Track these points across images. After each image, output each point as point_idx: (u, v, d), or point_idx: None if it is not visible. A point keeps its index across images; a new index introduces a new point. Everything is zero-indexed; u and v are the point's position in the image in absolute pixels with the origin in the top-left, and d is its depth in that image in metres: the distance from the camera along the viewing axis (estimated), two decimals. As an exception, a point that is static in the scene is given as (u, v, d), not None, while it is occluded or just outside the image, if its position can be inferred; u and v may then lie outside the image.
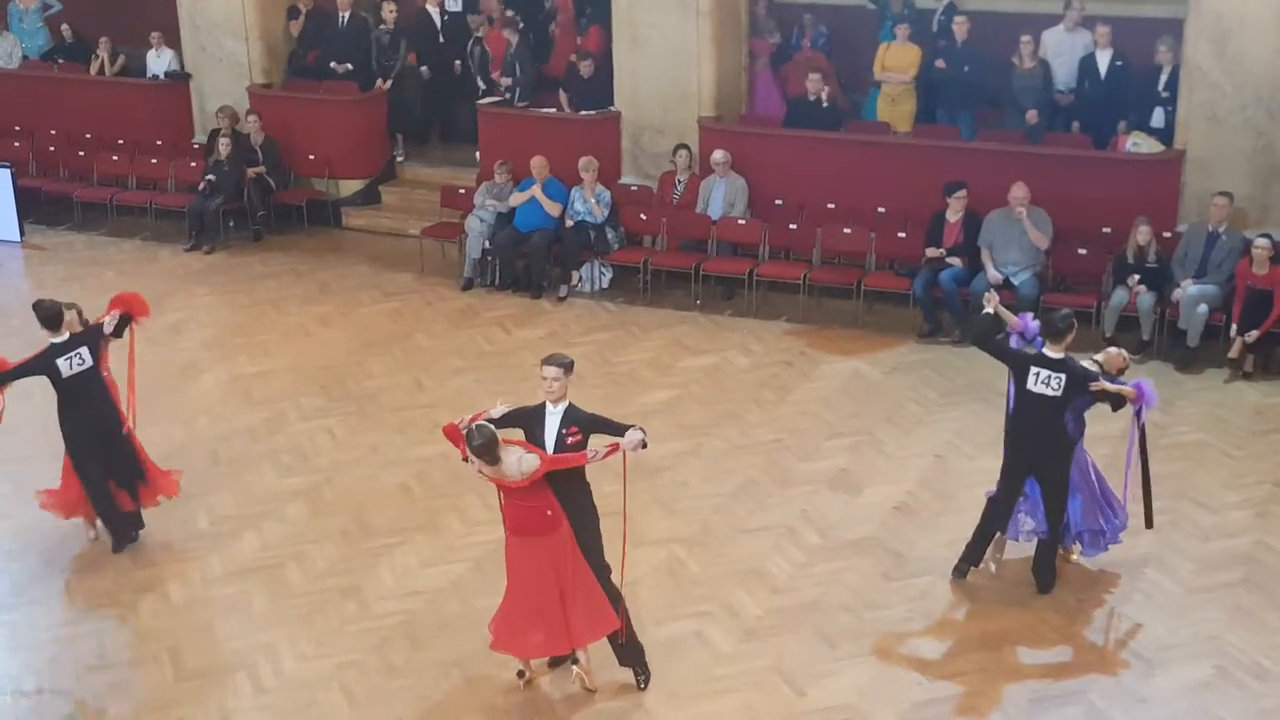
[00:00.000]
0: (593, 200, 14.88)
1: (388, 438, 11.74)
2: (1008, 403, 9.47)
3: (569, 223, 14.93)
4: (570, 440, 7.99)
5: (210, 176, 16.48)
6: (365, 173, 17.43)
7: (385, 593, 9.48)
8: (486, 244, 15.13)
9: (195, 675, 8.61)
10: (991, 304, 9.45)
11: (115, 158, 17.76)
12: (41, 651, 8.89)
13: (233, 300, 15.04)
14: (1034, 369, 9.03)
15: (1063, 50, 14.94)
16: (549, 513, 7.90)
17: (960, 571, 9.50)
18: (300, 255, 16.35)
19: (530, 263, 15.00)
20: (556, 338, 13.82)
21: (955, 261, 13.46)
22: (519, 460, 7.78)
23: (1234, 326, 12.59)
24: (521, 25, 16.64)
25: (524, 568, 8.06)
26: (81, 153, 17.93)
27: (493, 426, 7.81)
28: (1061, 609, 9.18)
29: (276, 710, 8.29)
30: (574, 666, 8.28)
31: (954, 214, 13.57)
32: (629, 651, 8.30)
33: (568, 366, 8.11)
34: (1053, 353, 9.03)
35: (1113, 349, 9.59)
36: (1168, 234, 13.30)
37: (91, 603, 9.42)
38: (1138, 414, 9.22)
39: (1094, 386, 9.04)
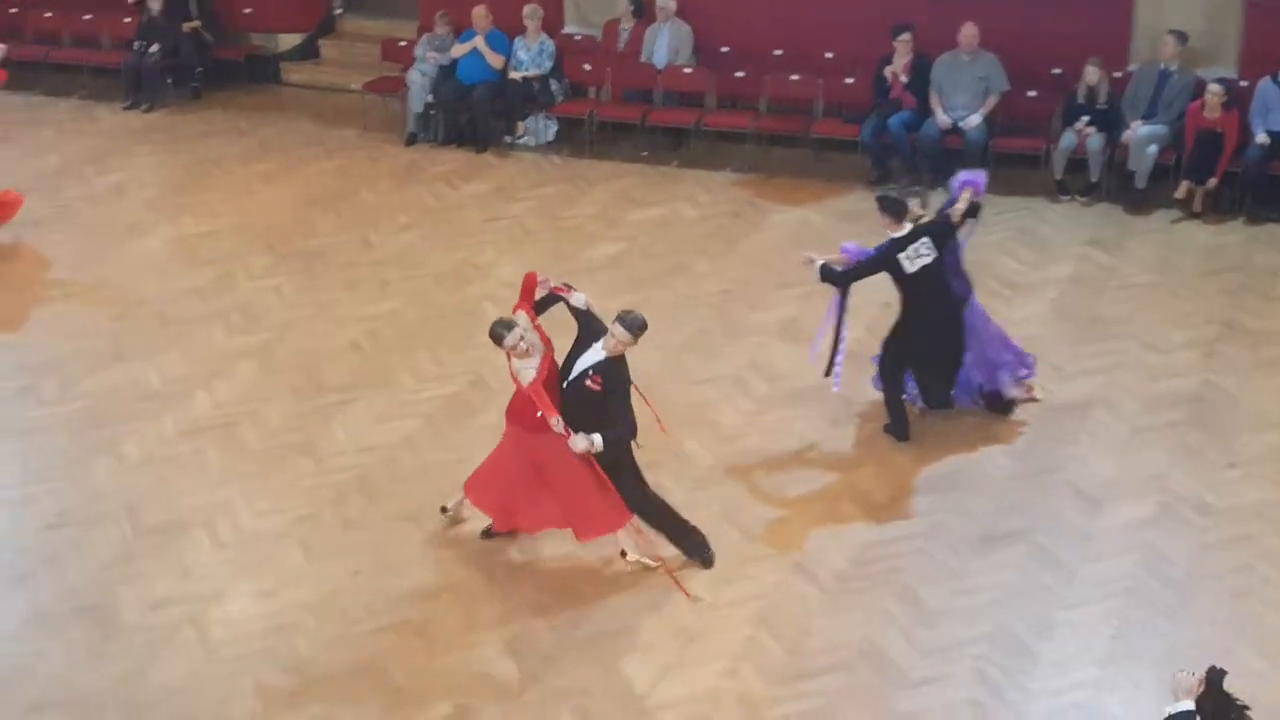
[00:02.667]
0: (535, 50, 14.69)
1: (336, 295, 11.68)
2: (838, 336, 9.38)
3: (513, 75, 14.73)
4: (589, 384, 7.80)
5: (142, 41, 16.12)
6: (303, 26, 17.08)
7: (338, 449, 9.50)
8: (429, 98, 14.92)
9: (154, 531, 8.65)
10: (813, 263, 9.29)
11: (48, 14, 17.28)
12: (-1, 512, 8.92)
13: (174, 159, 14.79)
14: (901, 256, 9.02)
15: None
16: (539, 414, 7.76)
17: (901, 436, 9.52)
18: (241, 112, 16.08)
19: (474, 116, 14.81)
20: (503, 192, 13.72)
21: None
22: (520, 370, 7.83)
23: (1184, 169, 12.66)
24: None
25: (507, 447, 8.16)
26: (14, 10, 17.40)
27: (513, 327, 7.76)
28: (1009, 451, 9.32)
29: (235, 564, 8.36)
30: (626, 560, 8.25)
31: (901, 57, 13.46)
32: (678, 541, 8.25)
33: (638, 328, 7.73)
34: (900, 231, 9.04)
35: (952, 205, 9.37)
36: (1118, 74, 13.25)
37: (47, 463, 9.40)
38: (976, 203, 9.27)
39: (954, 218, 9.13)
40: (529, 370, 7.80)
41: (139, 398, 10.17)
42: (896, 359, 9.41)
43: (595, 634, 7.73)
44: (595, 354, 7.85)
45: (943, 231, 9.09)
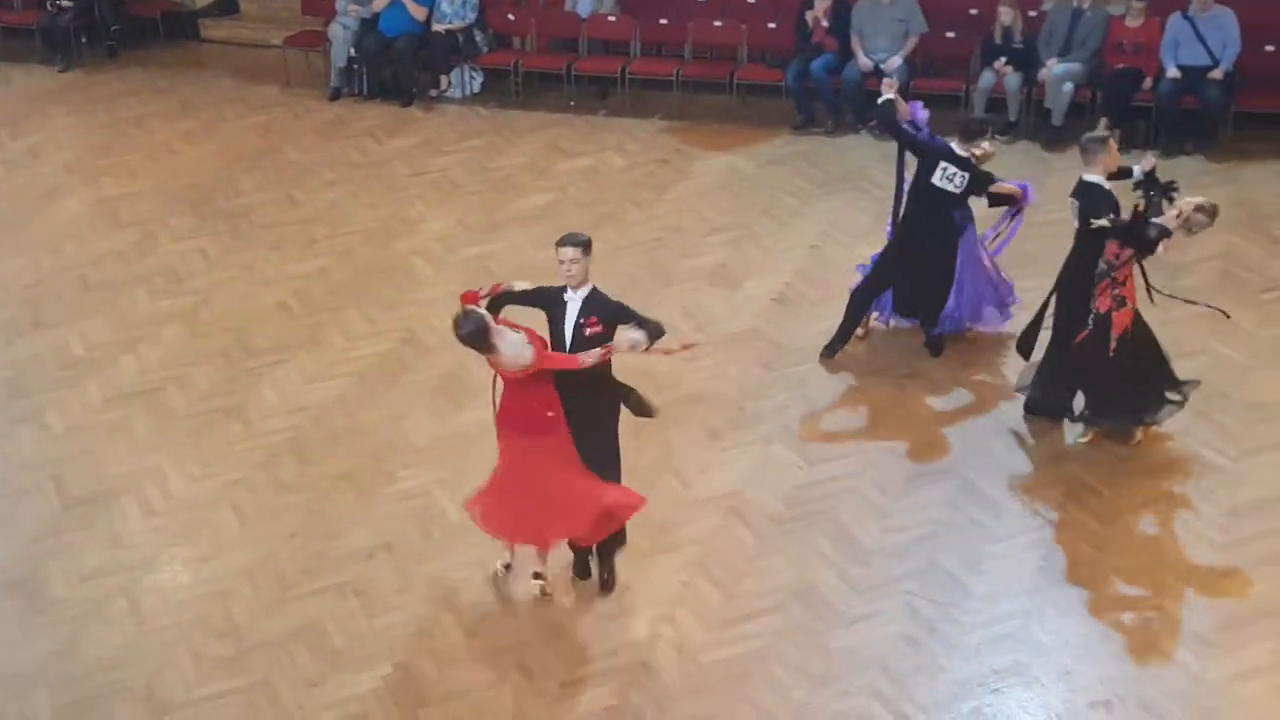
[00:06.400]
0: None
1: (262, 255, 11.58)
2: (899, 192, 9.61)
3: (436, 26, 14.60)
4: (589, 332, 7.21)
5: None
6: (222, -19, 16.85)
7: (269, 411, 9.46)
8: (352, 51, 14.77)
9: (82, 502, 8.58)
10: (890, 90, 9.52)
11: (-46, -25, 16.95)
12: (-80, 487, 8.81)
13: (92, 120, 14.57)
14: (944, 164, 9.17)
15: None
16: (549, 414, 7.18)
17: (830, 352, 9.74)
18: (159, 71, 15.85)
19: (398, 69, 14.69)
20: (430, 146, 13.64)
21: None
22: (517, 353, 6.99)
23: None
24: None
25: (514, 460, 7.40)
26: (-82, -29, 17.07)
27: (482, 314, 6.96)
28: (935, 388, 9.43)
29: (167, 532, 8.31)
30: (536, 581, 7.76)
31: (822, 2, 13.44)
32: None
33: (585, 245, 7.19)
34: (961, 151, 9.19)
35: (986, 143, 9.65)
36: (1033, 13, 13.33)
37: (-32, 436, 9.32)
38: (1017, 212, 9.66)
39: (993, 189, 9.36)
40: (527, 349, 7.00)
41: (62, 365, 10.06)
42: (885, 274, 9.58)
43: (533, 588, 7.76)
44: (573, 302, 7.27)
45: (979, 184, 9.28)
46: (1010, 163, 12.55)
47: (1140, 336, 8.55)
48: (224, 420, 9.36)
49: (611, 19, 14.47)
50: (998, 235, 9.90)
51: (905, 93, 12.96)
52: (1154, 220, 8.18)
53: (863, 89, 13.25)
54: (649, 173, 12.89)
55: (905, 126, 9.40)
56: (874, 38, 13.33)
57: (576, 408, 7.26)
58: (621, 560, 7.78)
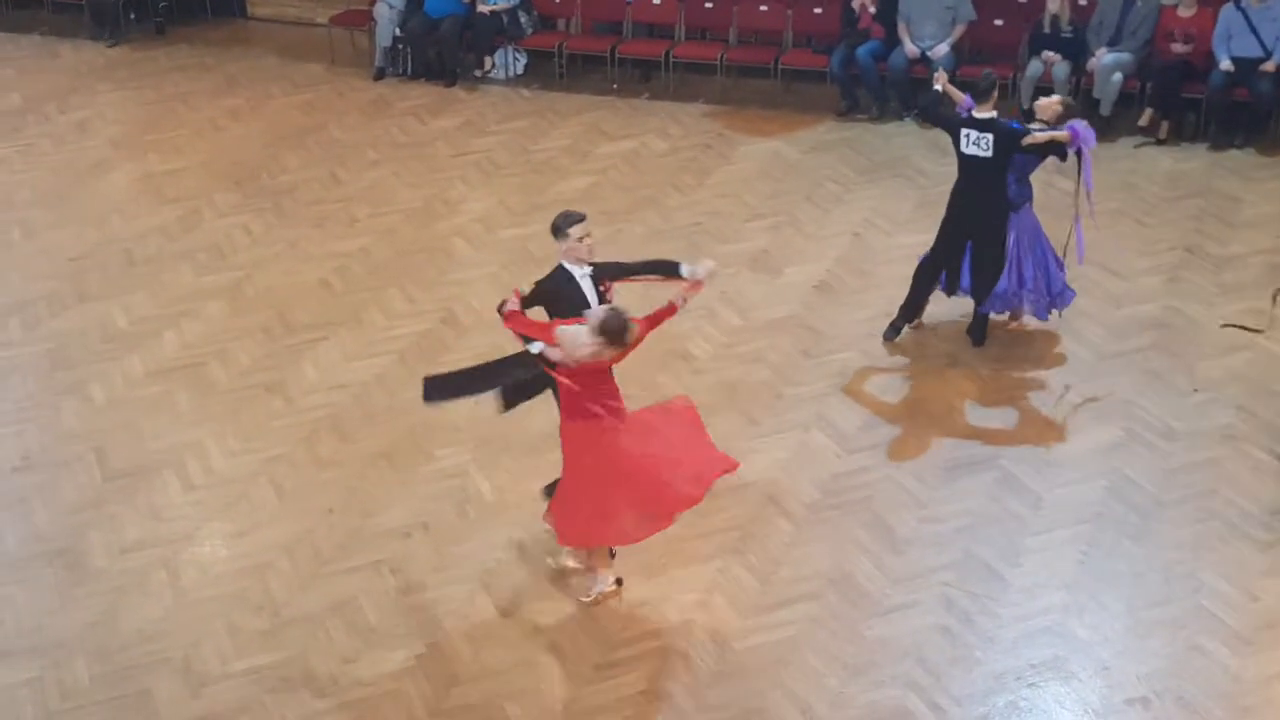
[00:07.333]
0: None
1: (305, 233, 11.62)
2: None
3: (481, 8, 14.59)
4: (610, 297, 7.31)
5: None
6: (268, -41, 16.90)
7: (310, 387, 9.50)
8: (397, 31, 14.78)
9: (123, 474, 8.64)
10: (940, 82, 9.47)
11: (6, -50, 17.05)
12: (-36, 455, 8.87)
13: (139, 96, 14.63)
14: (964, 131, 9.10)
15: None
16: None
17: (894, 331, 9.72)
18: (206, 47, 15.91)
19: (442, 50, 14.70)
20: (473, 126, 13.64)
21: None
22: (577, 343, 6.92)
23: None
24: None
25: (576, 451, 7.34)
26: (-30, -55, 17.19)
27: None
28: (974, 378, 9.38)
29: (206, 505, 8.36)
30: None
31: (870, -13, 13.39)
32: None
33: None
34: (980, 113, 9.07)
35: (1044, 98, 9.61)
36: (1084, 2, 13.21)
37: (12, 405, 9.36)
38: (1078, 154, 9.26)
39: (1025, 141, 9.07)
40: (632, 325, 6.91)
41: (105, 338, 10.12)
42: (944, 247, 9.49)
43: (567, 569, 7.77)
44: (585, 278, 7.39)
45: (1007, 140, 9.05)
46: (1056, 153, 12.52)
47: None
48: (265, 396, 9.40)
49: (656, 2, 14.43)
50: (1078, 197, 9.51)
51: (952, 81, 12.92)
52: None
53: (909, 76, 13.18)
54: (691, 157, 12.85)
55: (964, 116, 9.31)
56: (921, 24, 13.24)
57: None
58: (657, 543, 7.76)
